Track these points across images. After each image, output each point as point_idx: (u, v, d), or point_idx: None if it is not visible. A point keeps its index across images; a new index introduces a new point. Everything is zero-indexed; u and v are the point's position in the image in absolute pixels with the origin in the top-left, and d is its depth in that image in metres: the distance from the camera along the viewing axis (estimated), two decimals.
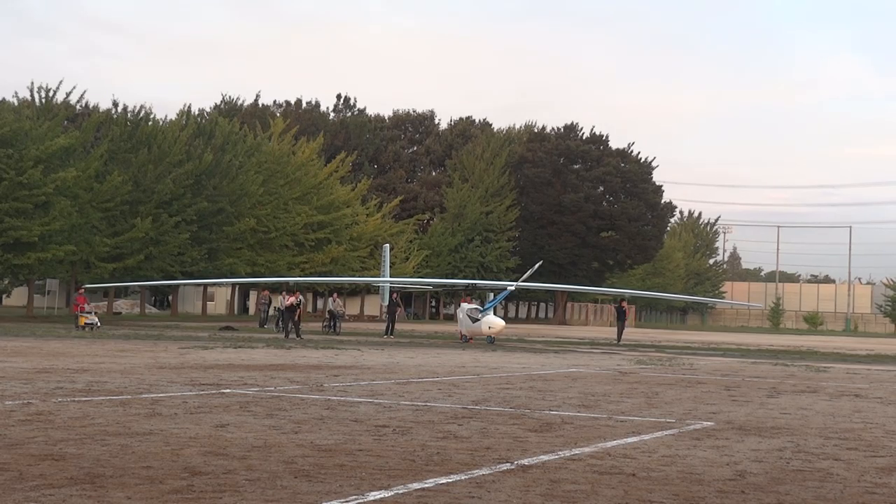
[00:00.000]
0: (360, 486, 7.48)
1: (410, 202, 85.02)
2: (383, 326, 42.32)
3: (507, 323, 41.69)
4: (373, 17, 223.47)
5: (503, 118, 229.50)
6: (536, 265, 41.32)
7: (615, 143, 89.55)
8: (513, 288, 39.39)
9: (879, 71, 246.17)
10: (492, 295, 39.86)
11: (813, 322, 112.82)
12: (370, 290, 70.84)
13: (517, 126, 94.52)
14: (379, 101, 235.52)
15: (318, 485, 7.47)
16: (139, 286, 60.89)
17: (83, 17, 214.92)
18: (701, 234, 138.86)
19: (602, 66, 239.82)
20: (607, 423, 12.07)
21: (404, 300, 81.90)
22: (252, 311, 71.23)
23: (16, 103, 49.55)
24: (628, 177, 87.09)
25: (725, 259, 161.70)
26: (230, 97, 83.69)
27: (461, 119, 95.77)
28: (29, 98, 50.34)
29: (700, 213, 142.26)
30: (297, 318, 37.15)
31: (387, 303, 44.15)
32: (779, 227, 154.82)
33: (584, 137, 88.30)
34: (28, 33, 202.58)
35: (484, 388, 16.67)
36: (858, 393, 18.27)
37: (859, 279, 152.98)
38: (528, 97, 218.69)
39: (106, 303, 58.85)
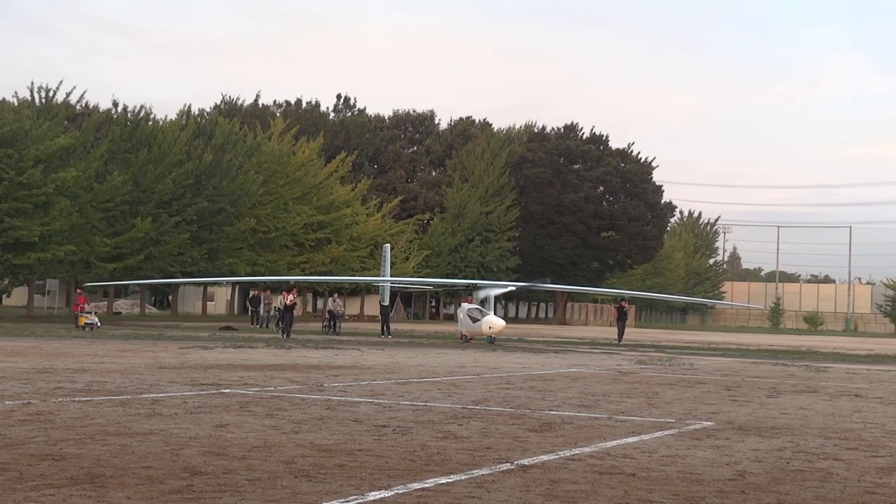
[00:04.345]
0: (360, 486, 7.48)
1: (410, 202, 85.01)
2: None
3: (507, 323, 41.71)
4: (373, 17, 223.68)
5: (503, 118, 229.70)
6: (545, 283, 41.51)
7: (615, 143, 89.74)
8: (513, 288, 39.38)
9: (881, 70, 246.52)
10: (492, 296, 39.87)
11: (813, 322, 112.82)
12: (370, 290, 70.85)
13: (517, 126, 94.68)
14: (379, 101, 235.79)
15: (318, 485, 7.47)
16: (139, 286, 60.93)
17: (83, 17, 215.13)
18: (701, 234, 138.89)
19: (602, 66, 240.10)
20: (607, 423, 12.07)
21: (404, 300, 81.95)
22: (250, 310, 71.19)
23: (16, 103, 49.53)
24: (628, 177, 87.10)
25: (725, 259, 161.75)
26: (230, 97, 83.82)
27: (461, 119, 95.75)
28: (29, 98, 50.34)
29: (700, 213, 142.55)
30: (293, 316, 37.32)
31: (387, 303, 44.28)
32: (779, 227, 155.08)
33: (584, 137, 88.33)
34: (28, 33, 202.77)
35: (484, 388, 16.67)
36: (858, 393, 18.27)
37: (859, 279, 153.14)
38: (528, 97, 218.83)
39: (106, 303, 58.86)
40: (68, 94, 51.86)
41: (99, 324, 37.23)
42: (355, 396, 14.34)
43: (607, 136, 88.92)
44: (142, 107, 54.40)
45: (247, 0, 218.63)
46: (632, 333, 52.87)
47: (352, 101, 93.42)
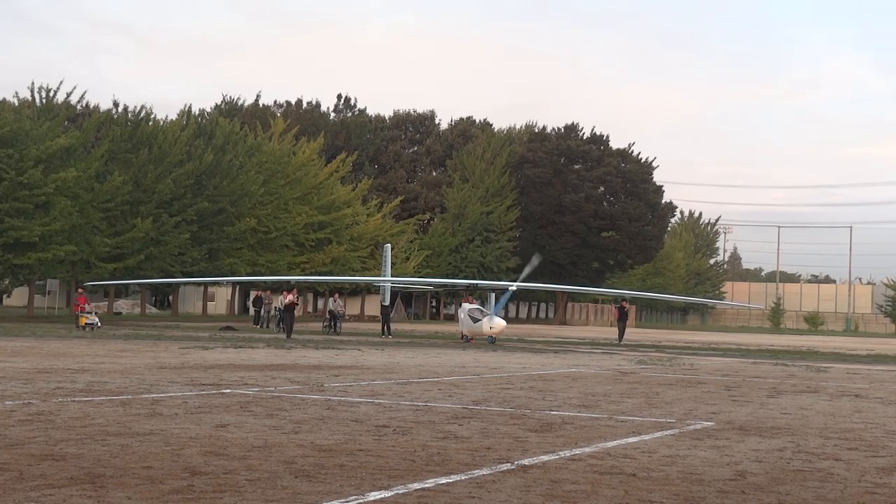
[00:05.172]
0: (360, 486, 7.48)
1: (411, 202, 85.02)
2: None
3: (507, 323, 41.72)
4: (373, 17, 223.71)
5: (503, 118, 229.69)
6: (535, 261, 41.17)
7: (615, 143, 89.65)
8: (514, 288, 39.34)
9: (881, 70, 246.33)
10: (493, 296, 39.78)
11: (813, 322, 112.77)
12: (370, 290, 70.87)
13: (517, 126, 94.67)
14: (379, 101, 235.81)
15: (318, 485, 7.47)
16: (139, 286, 60.93)
17: (83, 17, 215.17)
18: (701, 234, 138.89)
19: (602, 66, 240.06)
20: (607, 423, 12.07)
21: (405, 300, 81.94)
22: (253, 311, 71.26)
23: (16, 103, 49.55)
24: (628, 177, 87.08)
25: (726, 259, 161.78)
26: (230, 97, 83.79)
27: (461, 119, 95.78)
28: (29, 98, 50.37)
29: (700, 213, 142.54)
30: (293, 316, 37.34)
31: (387, 303, 44.32)
32: (779, 227, 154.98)
33: (584, 137, 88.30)
34: (28, 33, 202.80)
35: (484, 388, 16.67)
36: (858, 393, 18.27)
37: (859, 279, 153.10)
38: (529, 97, 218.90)
39: (106, 303, 58.87)
40: (68, 95, 51.97)
41: (99, 324, 37.22)
42: (355, 396, 14.34)
43: (607, 136, 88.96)
44: (142, 107, 54.50)
45: (247, 0, 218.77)
46: (632, 333, 52.87)
47: (352, 101, 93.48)
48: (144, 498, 6.81)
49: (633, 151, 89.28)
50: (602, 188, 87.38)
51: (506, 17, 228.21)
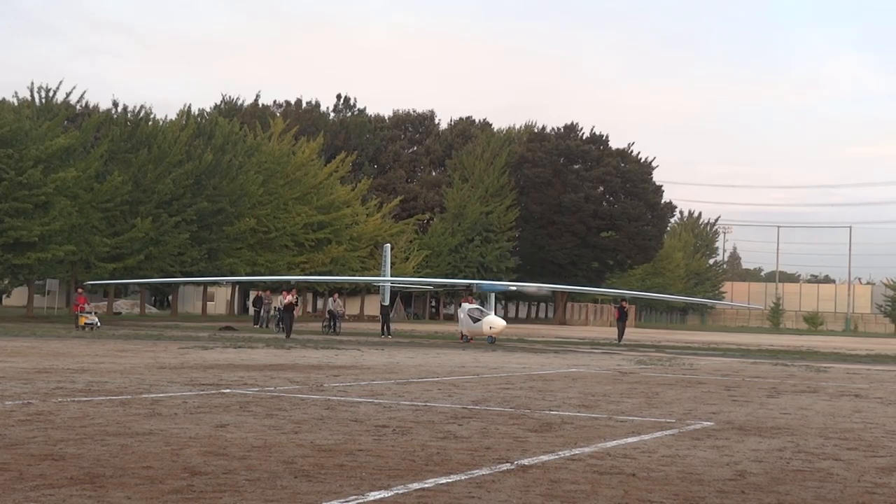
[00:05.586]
0: (360, 486, 7.48)
1: (410, 202, 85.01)
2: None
3: (507, 323, 41.72)
4: (373, 17, 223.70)
5: (503, 118, 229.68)
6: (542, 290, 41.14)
7: (615, 143, 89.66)
8: (514, 288, 39.35)
9: (882, 69, 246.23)
10: (493, 296, 39.89)
11: (813, 322, 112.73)
12: (370, 290, 70.88)
13: (517, 126, 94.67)
14: (379, 101, 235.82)
15: (318, 485, 7.47)
16: (139, 286, 60.93)
17: (83, 17, 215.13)
18: (701, 234, 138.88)
19: (602, 66, 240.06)
20: (607, 423, 12.07)
21: (404, 300, 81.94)
22: (253, 311, 71.22)
23: (16, 103, 49.53)
24: (628, 177, 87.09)
25: (725, 259, 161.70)
26: (230, 97, 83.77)
27: (461, 119, 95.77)
28: (29, 98, 50.35)
29: (700, 213, 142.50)
30: (292, 316, 37.33)
31: (387, 303, 44.34)
32: (779, 227, 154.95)
33: (584, 137, 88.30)
34: (28, 33, 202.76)
35: (484, 388, 16.67)
36: (858, 393, 18.27)
37: (859, 279, 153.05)
38: (528, 97, 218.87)
39: (106, 303, 58.85)
40: (68, 94, 51.94)
41: (99, 324, 37.21)
42: (355, 396, 14.34)
43: (607, 136, 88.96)
44: (142, 107, 54.48)
45: (247, 0, 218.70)
46: (632, 333, 52.85)
47: (352, 101, 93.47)
48: (144, 498, 6.81)
49: (632, 151, 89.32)
50: (601, 188, 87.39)
51: (506, 17, 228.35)
